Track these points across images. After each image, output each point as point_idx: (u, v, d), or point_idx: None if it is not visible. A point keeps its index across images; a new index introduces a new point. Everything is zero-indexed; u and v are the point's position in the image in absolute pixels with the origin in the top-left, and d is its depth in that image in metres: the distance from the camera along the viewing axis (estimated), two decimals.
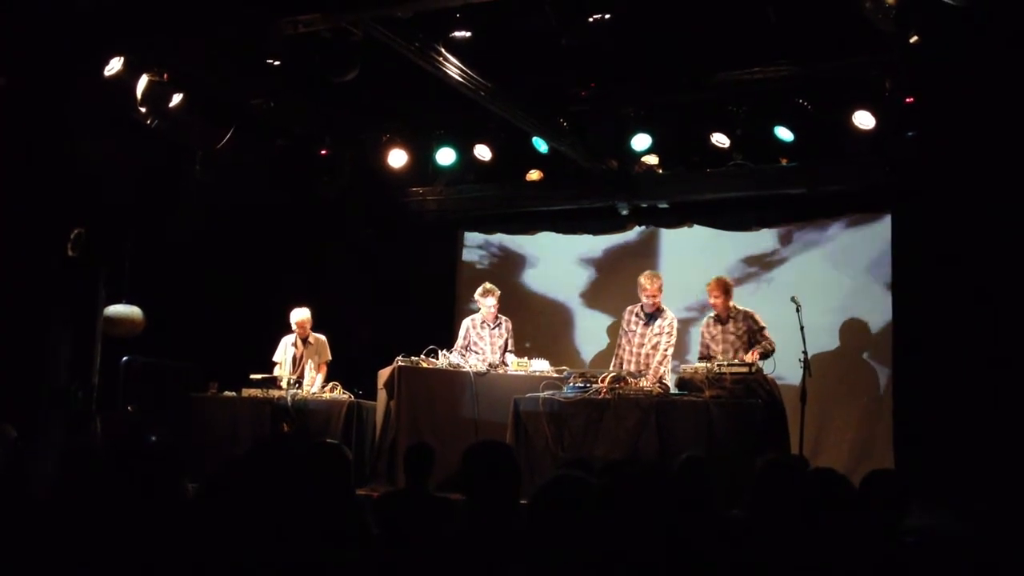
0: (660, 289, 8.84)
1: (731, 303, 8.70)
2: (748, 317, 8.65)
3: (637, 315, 8.96)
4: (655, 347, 8.79)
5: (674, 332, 8.86)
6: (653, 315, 8.87)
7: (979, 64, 7.90)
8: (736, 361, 8.19)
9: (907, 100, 8.68)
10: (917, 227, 9.47)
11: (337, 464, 4.09)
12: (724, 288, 8.69)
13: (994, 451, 8.12)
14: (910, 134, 8.88)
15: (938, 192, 9.11)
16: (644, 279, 8.87)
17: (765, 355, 8.41)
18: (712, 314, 8.82)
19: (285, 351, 9.80)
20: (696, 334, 9.59)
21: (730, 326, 8.66)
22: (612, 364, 8.91)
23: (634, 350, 8.87)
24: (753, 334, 8.55)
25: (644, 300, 8.86)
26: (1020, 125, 8.22)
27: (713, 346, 8.65)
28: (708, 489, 3.94)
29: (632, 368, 8.70)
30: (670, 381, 8.62)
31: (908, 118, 8.76)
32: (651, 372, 8.59)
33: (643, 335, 8.87)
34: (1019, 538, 3.92)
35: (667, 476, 2.82)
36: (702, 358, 8.46)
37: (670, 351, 8.81)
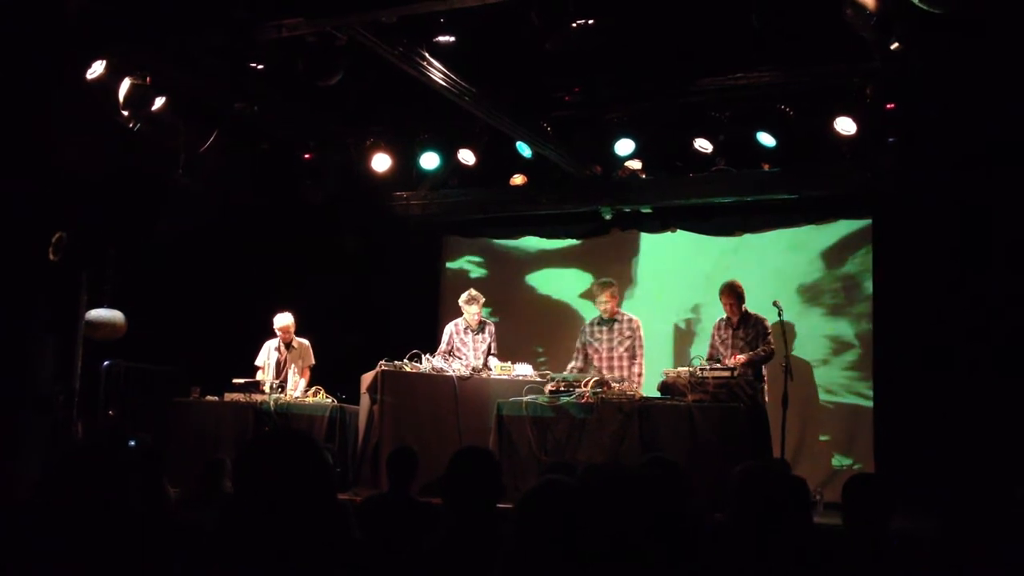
0: (613, 295, 8.96)
1: (744, 307, 8.73)
2: (759, 323, 8.66)
3: (597, 325, 9.06)
4: (627, 349, 8.85)
5: (641, 332, 8.94)
6: (611, 321, 8.95)
7: (960, 71, 7.96)
8: (718, 365, 8.22)
9: (888, 107, 8.75)
10: (898, 232, 9.53)
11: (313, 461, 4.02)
12: (735, 292, 8.72)
13: (975, 454, 8.17)
14: (891, 140, 8.95)
15: (918, 198, 9.17)
16: (594, 289, 9.12)
17: (757, 361, 8.44)
18: (724, 316, 8.85)
19: (268, 355, 9.77)
20: (677, 337, 9.62)
21: (741, 331, 8.68)
22: (569, 369, 8.93)
23: (603, 356, 8.93)
24: (758, 339, 8.57)
25: (598, 308, 9.00)
26: (1000, 131, 8.28)
27: (722, 349, 8.68)
28: (682, 490, 3.95)
29: (604, 374, 8.75)
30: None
31: (889, 124, 8.83)
32: (633, 380, 8.63)
33: (609, 340, 8.93)
34: (999, 540, 3.94)
35: (649, 479, 2.84)
36: (710, 359, 8.49)
37: (642, 354, 8.89)
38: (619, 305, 9.16)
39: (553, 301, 11.38)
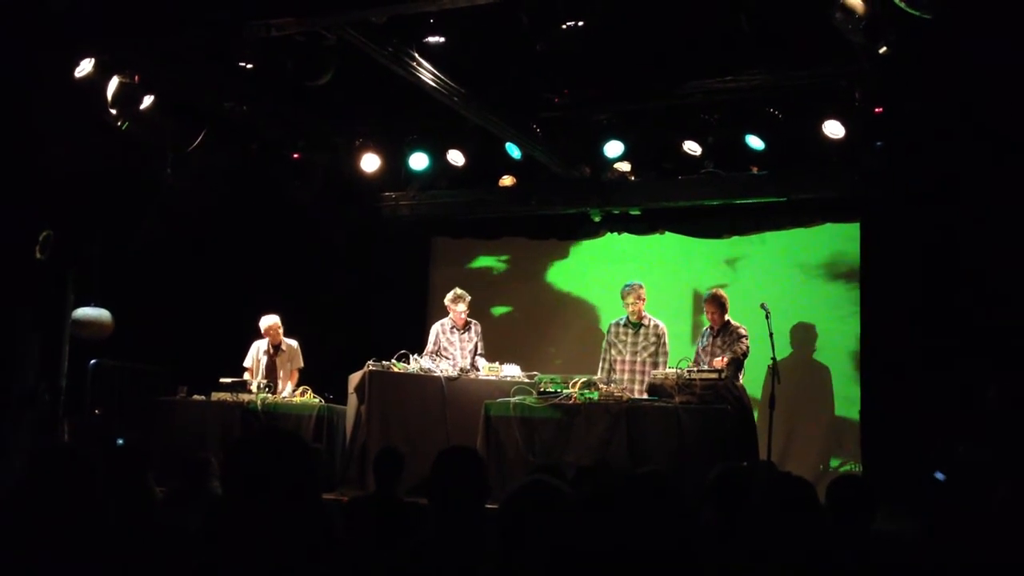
0: (638, 298, 8.89)
1: (727, 317, 8.76)
2: (735, 330, 8.70)
3: (624, 326, 9.02)
4: (651, 355, 8.84)
5: (667, 339, 8.92)
6: (638, 325, 8.94)
7: (947, 75, 7.99)
8: (706, 367, 8.24)
9: (876, 110, 8.78)
10: (885, 235, 9.56)
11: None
12: (717, 302, 8.75)
13: (961, 456, 8.19)
14: (879, 144, 8.98)
15: (906, 201, 9.21)
16: (621, 292, 8.98)
17: (735, 360, 8.47)
18: (709, 325, 8.88)
19: (256, 357, 9.73)
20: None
21: (719, 339, 8.72)
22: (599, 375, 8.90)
23: (627, 358, 8.91)
24: (732, 345, 8.60)
25: (626, 310, 8.96)
26: (988, 135, 8.31)
27: (704, 356, 8.71)
28: (678, 495, 3.96)
29: (627, 378, 8.74)
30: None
31: (877, 128, 8.86)
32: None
33: (634, 343, 8.92)
34: (983, 543, 3.96)
35: (638, 482, 2.84)
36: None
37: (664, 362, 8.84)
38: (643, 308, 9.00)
39: (540, 302, 11.37)
